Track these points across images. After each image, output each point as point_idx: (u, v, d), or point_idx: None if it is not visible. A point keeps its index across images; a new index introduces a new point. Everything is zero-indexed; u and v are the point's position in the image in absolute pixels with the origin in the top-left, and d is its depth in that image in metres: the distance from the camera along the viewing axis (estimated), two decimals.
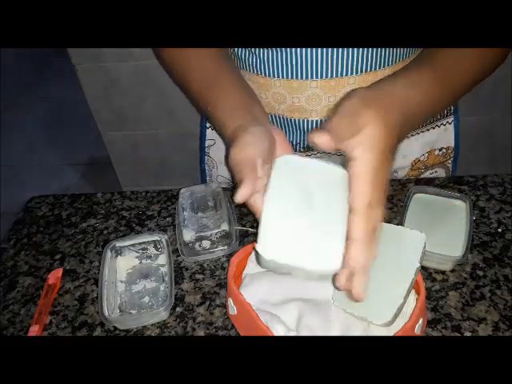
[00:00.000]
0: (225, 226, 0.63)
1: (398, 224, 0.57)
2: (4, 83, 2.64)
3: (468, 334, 0.53)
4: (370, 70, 0.63)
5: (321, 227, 0.42)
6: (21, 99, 2.77)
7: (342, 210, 0.42)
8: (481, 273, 0.59)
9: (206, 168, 0.86)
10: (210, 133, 0.82)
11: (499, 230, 0.64)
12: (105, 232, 0.70)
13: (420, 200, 0.66)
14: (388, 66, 0.63)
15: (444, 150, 0.80)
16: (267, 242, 0.42)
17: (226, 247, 0.64)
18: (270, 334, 0.47)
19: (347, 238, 0.41)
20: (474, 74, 0.57)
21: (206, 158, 0.85)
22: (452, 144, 0.80)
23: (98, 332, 0.56)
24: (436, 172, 0.81)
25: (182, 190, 0.69)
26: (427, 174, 0.81)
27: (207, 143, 0.83)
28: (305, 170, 0.46)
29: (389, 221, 0.66)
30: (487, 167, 1.41)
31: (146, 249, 0.64)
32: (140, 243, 0.64)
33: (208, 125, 0.82)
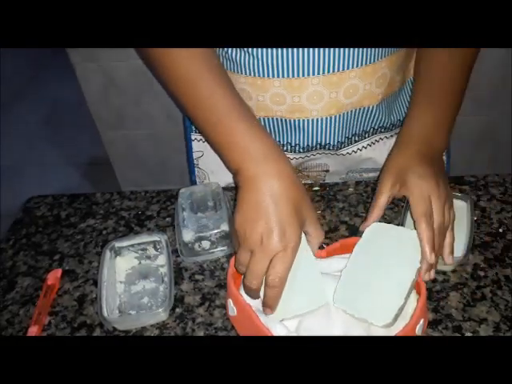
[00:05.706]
0: (224, 227, 0.63)
1: (398, 224, 0.57)
2: (4, 83, 2.63)
3: (469, 334, 0.52)
4: (370, 62, 0.62)
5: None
6: (21, 99, 2.76)
7: None
8: (482, 273, 0.59)
9: (198, 180, 0.84)
10: (197, 145, 0.80)
11: (500, 230, 0.64)
12: (104, 232, 0.70)
13: None
14: (385, 57, 0.63)
15: None
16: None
17: (225, 247, 0.63)
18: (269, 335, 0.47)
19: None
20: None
21: (196, 170, 0.83)
22: None
23: (97, 333, 0.56)
24: None
25: (182, 190, 0.69)
26: None
27: (195, 155, 0.81)
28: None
29: (389, 221, 0.66)
30: (488, 167, 1.41)
31: (146, 249, 0.64)
32: (139, 243, 0.64)
33: (193, 137, 0.80)
